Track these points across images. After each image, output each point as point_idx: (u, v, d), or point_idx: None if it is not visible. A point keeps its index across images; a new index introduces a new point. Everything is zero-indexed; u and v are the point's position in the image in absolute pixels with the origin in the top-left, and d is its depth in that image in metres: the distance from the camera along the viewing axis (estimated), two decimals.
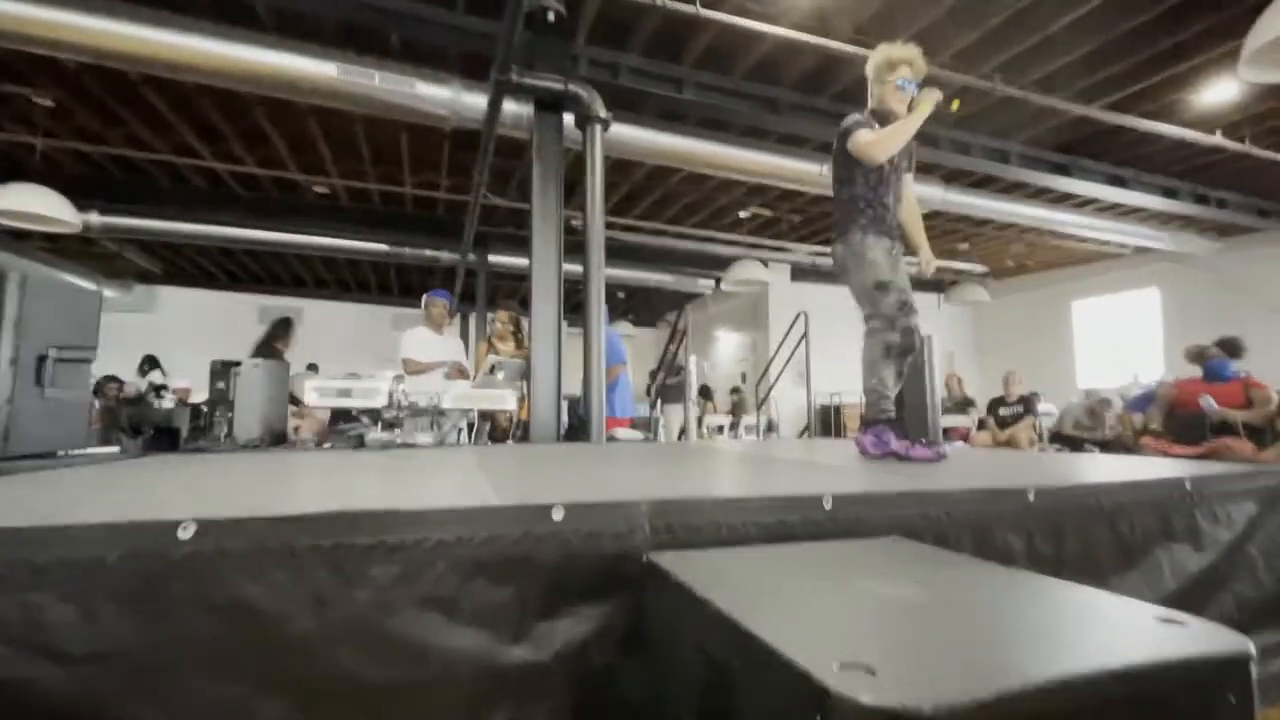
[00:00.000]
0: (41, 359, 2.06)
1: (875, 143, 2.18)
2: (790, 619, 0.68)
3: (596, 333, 3.63)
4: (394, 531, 0.95)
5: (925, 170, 5.32)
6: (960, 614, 0.71)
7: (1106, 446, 5.62)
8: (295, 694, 0.88)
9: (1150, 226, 6.43)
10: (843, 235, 2.28)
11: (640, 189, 6.42)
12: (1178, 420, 3.81)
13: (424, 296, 3.93)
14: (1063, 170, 5.21)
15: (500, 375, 3.30)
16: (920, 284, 9.55)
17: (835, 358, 8.88)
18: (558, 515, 1.03)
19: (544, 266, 3.68)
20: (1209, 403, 3.53)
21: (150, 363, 7.96)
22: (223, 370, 2.68)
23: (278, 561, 0.90)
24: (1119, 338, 8.37)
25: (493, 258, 7.44)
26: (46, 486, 1.38)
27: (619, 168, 5.67)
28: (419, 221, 7.34)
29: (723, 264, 8.55)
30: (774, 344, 8.84)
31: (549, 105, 3.83)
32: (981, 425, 5.84)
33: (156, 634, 0.84)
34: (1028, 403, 5.70)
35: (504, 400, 3.20)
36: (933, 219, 6.30)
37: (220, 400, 2.58)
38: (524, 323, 4.25)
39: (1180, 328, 7.59)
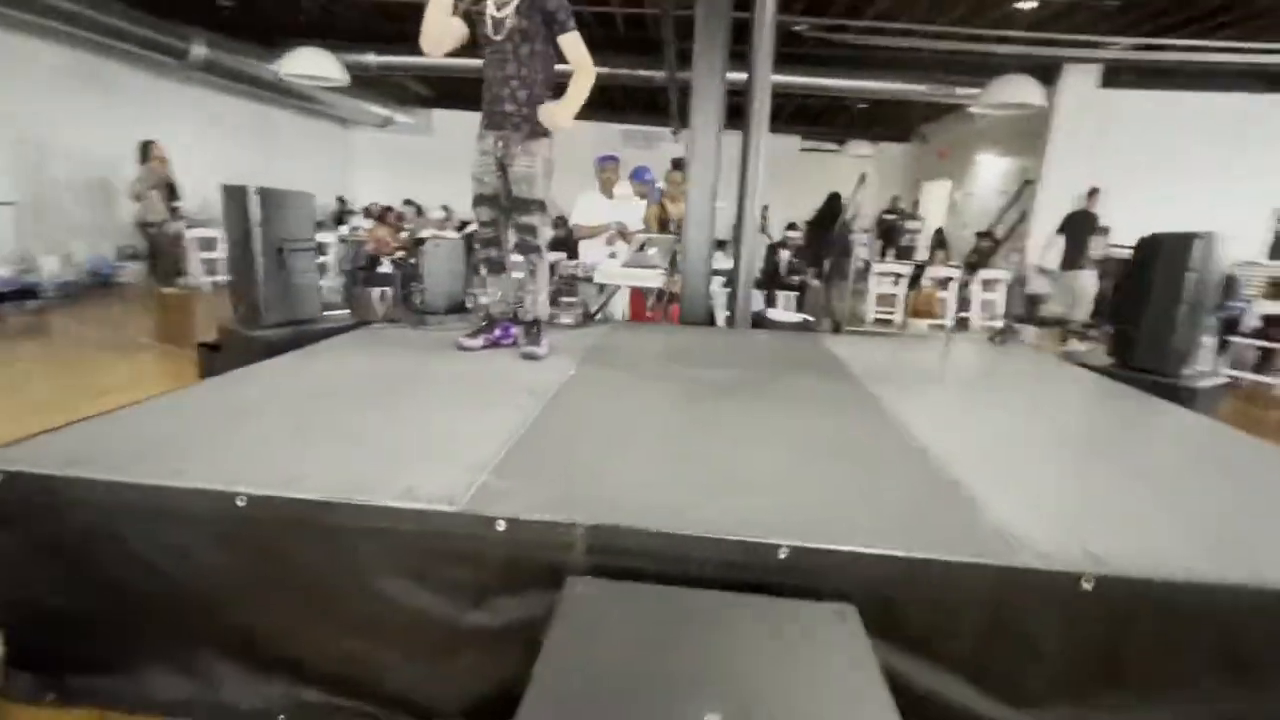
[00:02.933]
0: (279, 250, 2.69)
1: None
2: None
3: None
4: (371, 520, 1.20)
5: None
6: None
7: None
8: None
9: None
10: None
11: None
12: None
13: (595, 161, 3.93)
14: None
15: (651, 251, 3.33)
16: None
17: (1143, 196, 6.68)
18: (500, 526, 1.17)
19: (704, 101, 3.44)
20: None
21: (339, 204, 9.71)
22: (414, 246, 3.19)
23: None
24: None
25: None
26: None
27: None
28: (630, 42, 7.00)
29: (993, 68, 6.72)
30: (1052, 173, 6.97)
31: None
32: None
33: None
34: None
35: (649, 279, 3.27)
36: None
37: (413, 275, 3.12)
38: None
39: None
